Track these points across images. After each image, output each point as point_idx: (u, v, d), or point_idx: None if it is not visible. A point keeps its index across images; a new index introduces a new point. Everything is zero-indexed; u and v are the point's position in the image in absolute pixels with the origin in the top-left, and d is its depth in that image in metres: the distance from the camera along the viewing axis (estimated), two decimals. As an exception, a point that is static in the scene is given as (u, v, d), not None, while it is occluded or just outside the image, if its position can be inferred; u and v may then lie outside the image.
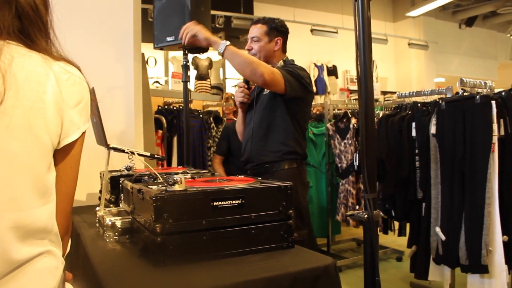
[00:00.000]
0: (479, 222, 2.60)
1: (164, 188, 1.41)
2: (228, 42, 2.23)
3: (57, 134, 0.99)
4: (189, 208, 1.34)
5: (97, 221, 1.82)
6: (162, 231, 1.29)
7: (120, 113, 2.82)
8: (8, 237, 0.90)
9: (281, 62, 2.50)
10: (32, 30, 1.01)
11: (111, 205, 1.94)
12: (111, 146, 1.82)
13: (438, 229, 2.84)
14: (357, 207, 4.02)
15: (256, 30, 2.51)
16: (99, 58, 2.73)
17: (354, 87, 9.61)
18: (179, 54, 2.98)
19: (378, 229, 3.59)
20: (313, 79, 9.06)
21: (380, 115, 3.66)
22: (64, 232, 1.09)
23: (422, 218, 3.06)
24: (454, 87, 3.15)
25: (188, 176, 1.76)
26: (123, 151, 1.86)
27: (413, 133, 3.17)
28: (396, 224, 3.92)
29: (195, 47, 2.74)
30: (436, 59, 11.19)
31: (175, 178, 1.40)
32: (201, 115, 4.35)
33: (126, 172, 2.04)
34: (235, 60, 2.23)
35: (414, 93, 3.49)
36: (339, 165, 4.22)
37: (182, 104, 3.08)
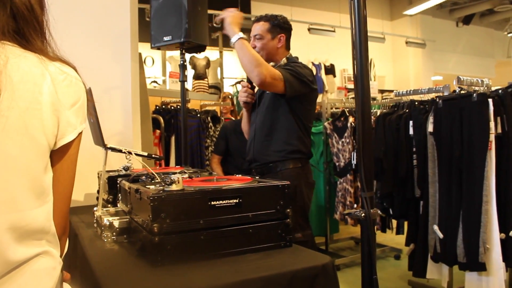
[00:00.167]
0: (477, 220, 2.60)
1: (161, 188, 1.41)
2: (242, 35, 2.24)
3: (53, 134, 0.99)
4: (186, 207, 1.34)
5: (95, 221, 1.82)
6: (159, 231, 1.30)
7: (118, 113, 2.82)
8: (5, 238, 0.90)
9: (284, 60, 2.47)
10: (28, 30, 1.01)
11: (109, 205, 1.94)
12: (108, 146, 1.82)
13: (436, 227, 2.85)
14: (355, 205, 4.03)
15: (258, 28, 2.48)
16: (96, 58, 2.73)
17: (352, 85, 9.61)
18: (176, 53, 2.98)
19: (376, 228, 3.60)
20: (311, 78, 9.03)
21: (378, 114, 3.67)
22: (62, 232, 1.09)
23: (420, 216, 3.07)
24: (451, 85, 3.15)
25: (186, 175, 1.76)
26: (120, 151, 1.86)
27: (411, 132, 3.17)
28: (394, 222, 3.93)
29: (193, 46, 2.75)
30: (434, 57, 11.20)
31: (172, 178, 1.40)
32: (198, 115, 4.35)
33: (123, 172, 2.04)
34: (240, 54, 2.24)
35: (411, 92, 3.49)
36: (337, 163, 4.22)
37: (180, 104, 3.08)
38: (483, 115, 2.61)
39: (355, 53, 1.46)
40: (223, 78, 8.55)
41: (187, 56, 2.90)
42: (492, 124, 2.58)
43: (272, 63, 2.45)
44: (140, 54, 3.28)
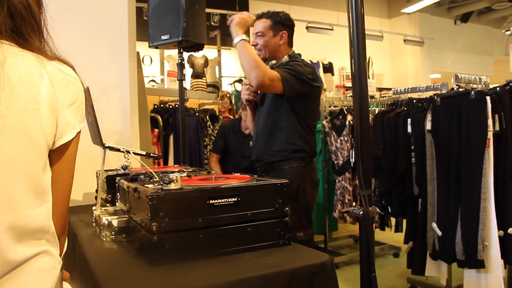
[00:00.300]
0: (475, 217, 2.60)
1: (160, 186, 1.41)
2: (244, 37, 2.24)
3: (52, 134, 0.99)
4: (185, 206, 1.34)
5: (93, 220, 1.82)
6: (158, 230, 1.30)
7: (116, 112, 2.82)
8: (5, 238, 0.90)
9: (286, 57, 2.45)
10: (25, 29, 1.00)
11: (108, 204, 1.94)
12: (106, 145, 1.82)
13: (434, 225, 2.85)
14: (354, 203, 4.03)
15: (260, 25, 2.47)
16: (94, 57, 2.73)
17: (350, 84, 9.61)
18: (174, 52, 2.98)
19: (374, 226, 3.60)
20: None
21: (376, 112, 3.67)
22: (61, 231, 1.09)
23: (419, 214, 3.07)
24: (449, 83, 3.15)
25: (184, 174, 1.76)
26: (118, 150, 1.86)
27: (409, 129, 3.17)
28: (393, 220, 3.93)
29: (191, 44, 2.75)
30: (432, 55, 11.20)
31: (171, 177, 1.40)
32: (197, 114, 4.35)
33: (122, 171, 2.04)
34: (240, 56, 2.24)
35: (409, 90, 3.49)
36: (336, 162, 4.23)
37: (178, 103, 3.07)
38: (481, 113, 2.61)
39: (353, 51, 1.46)
40: (221, 76, 8.55)
41: (185, 55, 2.89)
42: (490, 121, 2.59)
43: (274, 61, 2.45)
44: (138, 53, 3.28)
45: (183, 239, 1.33)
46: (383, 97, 5.01)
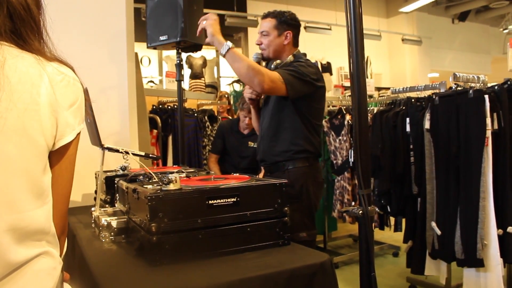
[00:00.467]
0: (474, 216, 2.61)
1: (159, 187, 1.41)
2: (230, 45, 2.17)
3: (52, 135, 0.99)
4: (184, 207, 1.34)
5: (92, 221, 1.82)
6: (157, 231, 1.30)
7: (114, 113, 2.82)
8: (5, 239, 0.90)
9: (290, 57, 2.44)
10: (25, 30, 1.00)
11: (107, 205, 1.94)
12: (105, 146, 1.82)
13: (433, 224, 2.85)
14: (353, 203, 4.03)
15: (265, 24, 2.45)
16: (92, 58, 2.73)
17: (349, 83, 9.61)
18: (173, 53, 2.98)
19: (374, 225, 3.60)
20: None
21: (375, 111, 3.67)
22: (61, 232, 1.09)
23: (418, 213, 3.07)
24: (447, 82, 3.15)
25: (183, 175, 1.76)
26: (117, 151, 1.86)
27: (408, 129, 3.17)
28: (392, 219, 3.93)
29: (189, 45, 2.75)
30: (430, 54, 11.21)
31: (170, 177, 1.40)
32: (195, 114, 4.34)
33: (121, 172, 2.04)
34: (235, 65, 2.19)
35: (408, 89, 3.49)
36: (334, 161, 4.23)
37: (177, 103, 3.08)
38: (479, 112, 2.61)
39: (351, 51, 1.46)
40: (220, 77, 8.55)
41: (184, 55, 2.89)
42: (488, 120, 2.59)
43: (278, 60, 2.44)
44: (136, 53, 3.28)
45: (183, 240, 1.33)
46: (382, 96, 5.02)
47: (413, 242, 3.12)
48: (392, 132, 3.28)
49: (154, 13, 2.71)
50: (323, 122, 4.34)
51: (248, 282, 1.22)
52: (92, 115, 1.72)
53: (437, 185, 2.87)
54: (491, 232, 2.58)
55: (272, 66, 2.43)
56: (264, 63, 2.51)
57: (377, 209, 2.91)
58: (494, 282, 2.58)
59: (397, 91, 3.59)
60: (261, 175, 2.54)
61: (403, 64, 11.29)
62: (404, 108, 3.30)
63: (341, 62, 10.10)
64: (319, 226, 4.55)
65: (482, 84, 2.90)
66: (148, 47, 2.78)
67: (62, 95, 1.01)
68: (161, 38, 2.67)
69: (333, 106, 4.71)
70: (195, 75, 7.74)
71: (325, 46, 9.55)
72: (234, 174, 1.76)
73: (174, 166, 2.99)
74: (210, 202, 1.38)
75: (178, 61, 2.83)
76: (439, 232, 2.81)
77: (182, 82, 2.91)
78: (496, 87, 2.71)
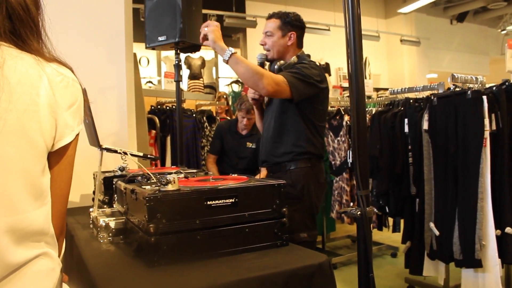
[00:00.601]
0: (472, 217, 2.61)
1: (157, 188, 1.41)
2: (233, 50, 2.17)
3: (51, 136, 0.99)
4: (182, 207, 1.34)
5: (91, 222, 1.82)
6: (155, 231, 1.29)
7: (113, 113, 2.81)
8: (5, 241, 0.90)
9: (294, 58, 2.43)
10: (24, 31, 1.00)
11: (105, 206, 1.93)
12: (103, 146, 1.82)
13: (432, 225, 2.86)
14: (351, 204, 4.03)
15: (270, 25, 2.45)
16: (91, 58, 2.72)
17: (347, 84, 9.61)
18: (171, 53, 2.97)
19: (372, 226, 3.61)
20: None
21: (373, 112, 3.67)
22: (59, 233, 1.09)
23: (416, 214, 3.07)
24: (446, 83, 3.16)
25: (182, 175, 1.76)
26: (116, 151, 1.86)
27: (406, 129, 3.17)
28: (391, 220, 3.94)
29: (188, 46, 2.75)
30: (428, 55, 11.24)
31: (168, 178, 1.40)
32: (194, 115, 4.34)
33: (119, 172, 2.04)
34: (239, 70, 2.19)
35: (406, 90, 3.49)
36: (333, 162, 4.23)
37: (175, 104, 3.07)
38: (477, 112, 2.62)
39: (349, 52, 1.46)
40: (218, 77, 8.55)
41: (182, 56, 2.89)
42: (486, 121, 2.59)
43: (282, 61, 2.44)
44: (135, 54, 3.28)
45: (181, 241, 1.33)
46: (380, 97, 5.02)
47: (412, 242, 3.12)
48: (391, 132, 3.28)
49: (153, 13, 2.71)
50: (322, 122, 4.34)
51: (246, 283, 1.21)
52: (90, 116, 1.71)
53: (435, 186, 2.88)
54: (489, 232, 2.59)
55: (275, 66, 2.42)
56: (268, 64, 2.51)
57: (375, 209, 2.90)
58: (492, 283, 2.58)
59: (395, 91, 3.59)
60: (259, 176, 2.54)
61: (402, 65, 11.32)
62: (402, 109, 3.31)
63: (339, 63, 10.11)
64: (317, 226, 4.55)
65: (480, 85, 2.91)
66: (146, 48, 2.78)
67: (62, 96, 1.00)
68: (160, 38, 2.67)
69: (331, 107, 4.71)
70: (193, 76, 7.74)
71: (323, 47, 9.56)
72: (233, 175, 1.76)
73: (172, 166, 3.00)
74: (208, 203, 1.38)
75: (176, 62, 2.83)
76: (437, 233, 2.81)
77: (180, 82, 2.91)
78: (494, 88, 2.71)
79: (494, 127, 2.63)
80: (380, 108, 3.74)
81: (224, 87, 8.32)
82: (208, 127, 4.46)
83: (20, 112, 0.92)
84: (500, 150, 2.64)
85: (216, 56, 8.26)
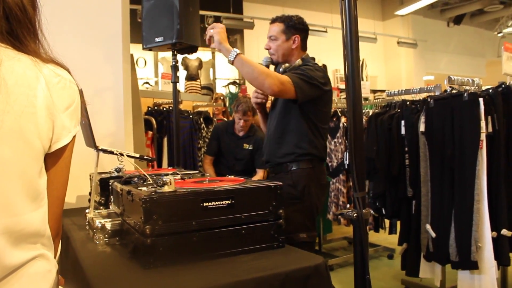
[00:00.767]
0: (469, 219, 2.61)
1: (153, 189, 1.40)
2: (238, 51, 2.20)
3: (48, 138, 0.98)
4: (179, 209, 1.34)
5: (87, 223, 1.81)
6: (152, 233, 1.29)
7: (109, 114, 2.81)
8: (1, 242, 0.89)
9: (299, 61, 2.45)
10: (21, 31, 0.99)
11: (101, 207, 1.93)
12: (100, 148, 1.81)
13: (428, 227, 2.86)
14: (348, 205, 4.04)
15: (273, 29, 2.47)
16: (88, 59, 2.72)
17: (344, 86, 9.62)
18: (168, 54, 2.97)
19: (368, 227, 3.61)
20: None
21: (370, 114, 3.68)
22: (55, 235, 1.08)
23: (413, 216, 3.08)
24: (442, 85, 3.16)
25: (178, 177, 1.75)
26: (112, 152, 1.85)
27: (403, 131, 3.18)
28: (387, 222, 3.94)
29: (185, 47, 2.74)
30: (425, 57, 11.26)
31: (164, 179, 1.39)
32: (191, 116, 4.34)
33: (115, 173, 2.03)
34: (245, 70, 2.21)
35: (403, 91, 3.50)
36: (330, 164, 4.23)
37: (172, 105, 3.07)
38: (474, 115, 2.62)
39: (346, 53, 1.47)
40: (216, 79, 8.56)
41: (179, 57, 2.89)
42: (483, 123, 2.60)
43: (287, 64, 2.45)
44: (132, 55, 3.27)
45: (177, 242, 1.33)
46: (377, 99, 5.02)
47: (408, 244, 3.13)
48: (387, 134, 3.29)
49: (150, 14, 2.70)
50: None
51: (242, 285, 1.21)
52: (87, 117, 1.71)
53: (431, 188, 2.88)
54: (485, 234, 2.59)
55: (280, 69, 2.44)
56: (273, 67, 2.52)
57: (372, 211, 2.92)
58: (488, 284, 2.59)
59: (392, 93, 3.60)
60: (256, 178, 2.55)
61: (399, 67, 11.34)
62: (399, 110, 3.31)
63: (336, 65, 10.12)
64: (315, 228, 4.56)
65: (476, 87, 2.91)
66: (143, 49, 2.77)
67: (59, 97, 1.00)
68: (157, 39, 2.66)
69: (328, 108, 4.71)
70: (190, 77, 7.74)
71: (320, 48, 9.55)
72: (229, 176, 1.76)
73: (169, 168, 2.99)
74: (205, 204, 1.38)
75: (173, 63, 2.83)
76: (433, 235, 2.82)
77: (177, 83, 2.90)
78: (490, 90, 2.72)
79: (490, 129, 2.64)
80: (377, 110, 3.75)
81: (221, 89, 8.33)
82: (205, 129, 4.46)
83: (17, 113, 0.92)
84: (496, 152, 2.65)
85: (213, 58, 8.26)
